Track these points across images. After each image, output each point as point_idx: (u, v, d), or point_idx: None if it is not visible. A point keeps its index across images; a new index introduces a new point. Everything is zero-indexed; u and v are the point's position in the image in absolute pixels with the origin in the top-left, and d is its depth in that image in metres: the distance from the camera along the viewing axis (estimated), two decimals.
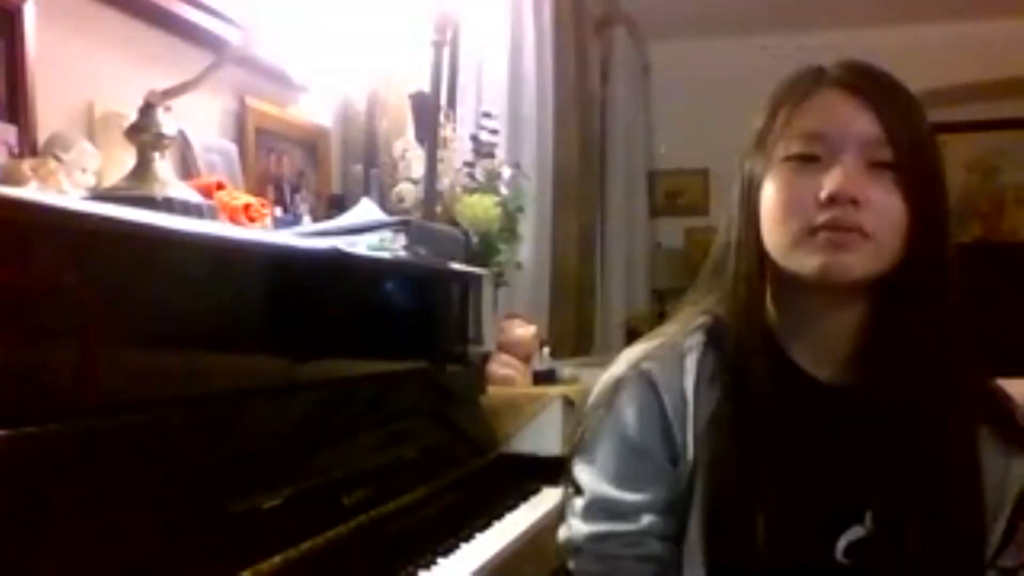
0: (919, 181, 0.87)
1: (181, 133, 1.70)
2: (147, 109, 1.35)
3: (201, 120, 1.83)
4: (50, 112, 1.46)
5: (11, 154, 1.35)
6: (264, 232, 1.56)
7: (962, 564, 0.87)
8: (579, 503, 0.95)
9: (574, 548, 0.95)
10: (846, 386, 0.91)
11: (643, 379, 0.93)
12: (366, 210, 1.85)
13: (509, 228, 2.40)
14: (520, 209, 2.47)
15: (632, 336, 4.54)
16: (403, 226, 1.64)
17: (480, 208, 2.27)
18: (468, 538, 1.43)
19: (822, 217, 0.85)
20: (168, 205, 1.28)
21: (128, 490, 0.95)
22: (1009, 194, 5.08)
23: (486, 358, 2.22)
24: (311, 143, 2.19)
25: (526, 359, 2.42)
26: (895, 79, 0.91)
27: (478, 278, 2.02)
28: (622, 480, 0.92)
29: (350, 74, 2.30)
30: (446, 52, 2.26)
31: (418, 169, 2.25)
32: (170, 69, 1.63)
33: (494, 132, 2.55)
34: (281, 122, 2.09)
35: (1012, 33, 4.52)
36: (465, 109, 2.83)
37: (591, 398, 0.99)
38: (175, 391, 1.07)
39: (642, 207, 5.00)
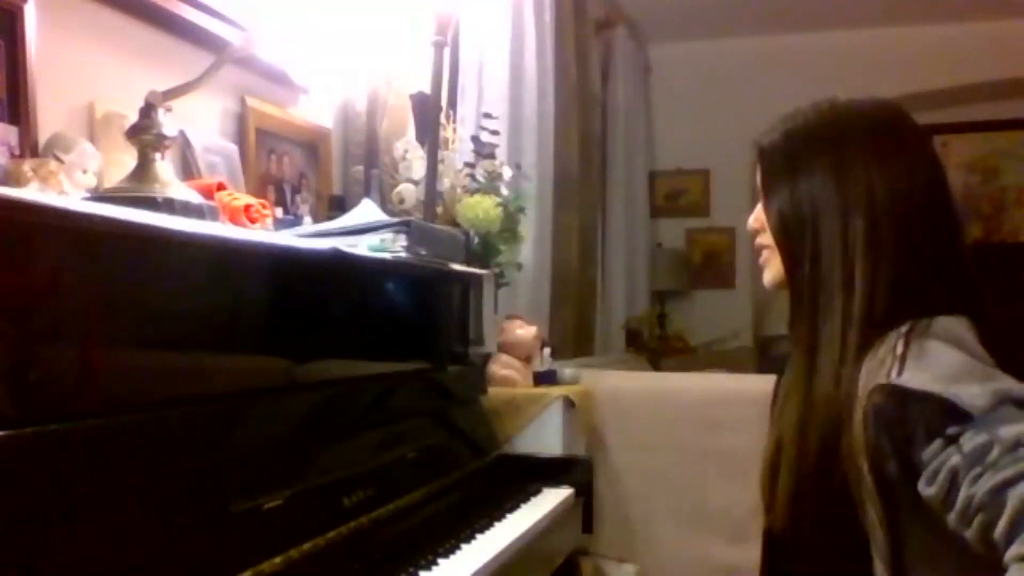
0: (765, 187, 1.11)
1: (182, 134, 1.70)
2: (148, 110, 1.35)
3: (202, 121, 1.84)
4: (51, 113, 1.46)
5: (12, 155, 1.36)
6: (265, 233, 1.56)
7: None
8: None
9: None
10: None
11: None
12: (367, 211, 1.85)
13: (510, 229, 2.40)
14: (521, 210, 2.47)
15: (632, 337, 4.55)
16: (404, 227, 1.64)
17: (481, 209, 2.27)
18: (469, 539, 1.43)
19: None
20: (169, 206, 1.28)
21: (129, 490, 0.95)
22: (1010, 195, 5.07)
23: (487, 359, 2.22)
24: (312, 144, 2.19)
25: (527, 360, 2.42)
26: (797, 120, 1.11)
27: (479, 279, 2.02)
28: None
29: (350, 75, 2.30)
30: (447, 52, 2.26)
31: (419, 170, 2.25)
32: (171, 70, 1.63)
33: (495, 133, 2.55)
34: (282, 123, 2.09)
35: (1012, 33, 4.52)
36: (466, 110, 2.83)
37: None
38: (175, 391, 1.07)
39: (643, 207, 5.00)
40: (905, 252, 1.01)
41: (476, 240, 2.27)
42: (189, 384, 1.10)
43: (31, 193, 1.17)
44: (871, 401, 0.91)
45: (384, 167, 2.34)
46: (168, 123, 1.37)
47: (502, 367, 2.33)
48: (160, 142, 1.36)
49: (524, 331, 2.41)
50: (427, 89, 2.26)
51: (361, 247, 1.58)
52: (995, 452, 0.82)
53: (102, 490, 0.92)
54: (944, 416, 0.85)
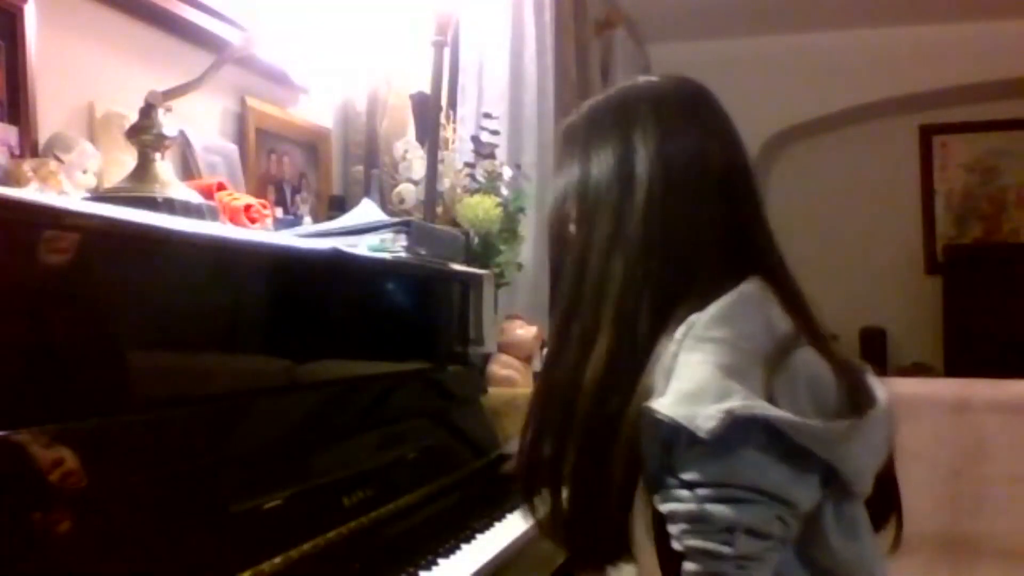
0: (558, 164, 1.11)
1: (182, 134, 1.70)
2: (148, 110, 1.35)
3: (202, 121, 1.84)
4: (51, 113, 1.46)
5: (12, 155, 1.36)
6: (265, 233, 1.56)
7: None
8: None
9: None
10: None
11: None
12: (367, 211, 1.85)
13: (510, 229, 2.40)
14: (521, 210, 2.47)
15: None
16: (404, 227, 1.64)
17: (481, 209, 2.27)
18: (468, 539, 1.43)
19: None
20: (169, 206, 1.28)
21: (128, 490, 0.95)
22: (1010, 195, 5.07)
23: (487, 359, 2.22)
24: (312, 144, 2.19)
25: (527, 360, 2.42)
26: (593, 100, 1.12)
27: (479, 279, 2.02)
28: None
29: (350, 75, 2.30)
30: (447, 52, 2.26)
31: (419, 170, 2.25)
32: (171, 70, 1.63)
33: (495, 133, 2.55)
34: (282, 123, 2.09)
35: (1012, 33, 4.52)
36: (466, 110, 2.83)
37: None
38: (175, 391, 1.07)
39: None
40: (689, 229, 1.00)
41: (476, 240, 2.27)
42: (189, 384, 1.10)
43: (31, 193, 1.17)
44: (642, 426, 0.93)
45: (384, 167, 2.35)
46: (168, 123, 1.37)
47: (502, 367, 2.33)
48: (160, 142, 1.36)
49: (524, 331, 2.41)
50: (427, 89, 2.26)
51: (361, 247, 1.58)
52: (704, 525, 0.89)
53: (102, 490, 0.92)
54: (683, 446, 0.90)
